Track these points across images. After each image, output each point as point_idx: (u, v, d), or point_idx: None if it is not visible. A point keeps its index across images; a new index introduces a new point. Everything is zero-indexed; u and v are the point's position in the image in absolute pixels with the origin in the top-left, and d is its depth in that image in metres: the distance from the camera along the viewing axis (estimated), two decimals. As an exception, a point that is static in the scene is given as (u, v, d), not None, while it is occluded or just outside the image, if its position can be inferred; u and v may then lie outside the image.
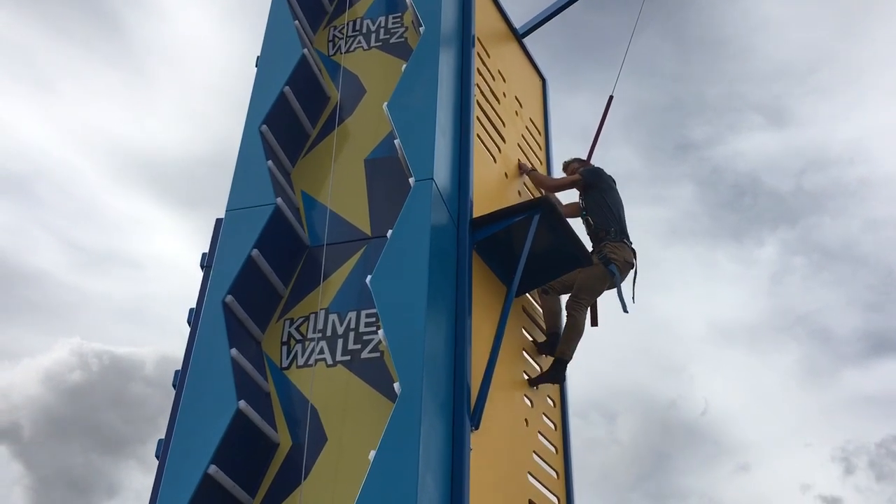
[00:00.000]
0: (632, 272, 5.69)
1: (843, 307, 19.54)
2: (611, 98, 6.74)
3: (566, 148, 5.97)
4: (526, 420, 5.03)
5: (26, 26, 17.16)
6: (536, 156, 6.52)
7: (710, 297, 19.93)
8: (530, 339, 5.50)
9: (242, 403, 4.16)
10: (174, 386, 4.92)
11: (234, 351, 4.36)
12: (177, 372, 4.96)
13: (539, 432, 5.19)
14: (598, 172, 6.05)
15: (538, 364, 5.47)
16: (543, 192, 6.25)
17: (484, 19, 6.23)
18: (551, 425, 5.41)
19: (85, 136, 18.50)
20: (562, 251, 5.27)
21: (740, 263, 20.25)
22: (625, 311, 5.58)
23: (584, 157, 6.45)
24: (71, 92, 18.11)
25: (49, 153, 18.03)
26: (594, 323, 5.80)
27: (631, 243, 5.73)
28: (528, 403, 5.16)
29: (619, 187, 6.03)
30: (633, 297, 5.69)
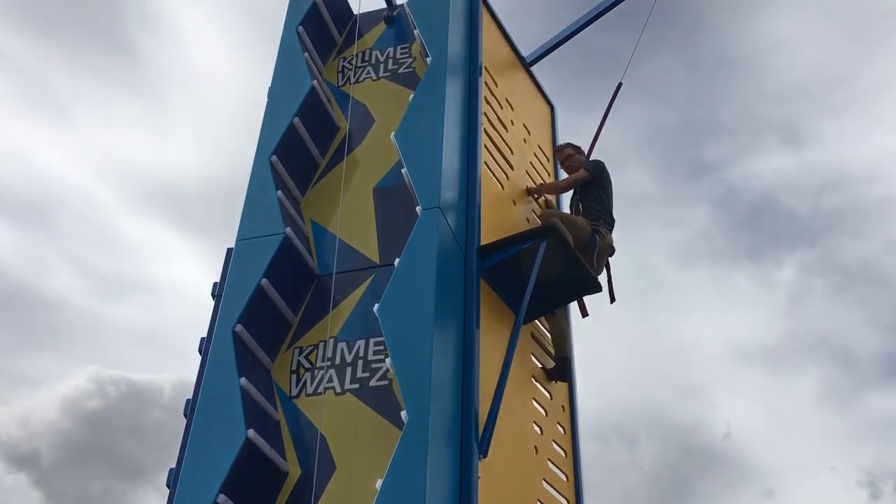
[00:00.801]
0: (605, 269, 5.80)
1: (865, 328, 19.33)
2: (619, 85, 6.62)
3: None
4: (536, 448, 5.02)
5: (45, 55, 17.52)
6: (545, 182, 6.54)
7: (728, 318, 19.79)
8: (539, 365, 5.50)
9: (251, 432, 4.19)
10: (185, 415, 4.95)
11: (243, 380, 4.40)
12: (188, 401, 5.00)
13: (549, 460, 5.17)
14: (601, 166, 6.12)
15: (548, 391, 5.46)
16: (553, 200, 6.29)
17: (491, 49, 6.30)
18: (562, 453, 5.39)
19: (103, 162, 18.79)
20: (570, 278, 5.28)
21: (758, 285, 20.10)
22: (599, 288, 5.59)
23: (577, 144, 6.46)
24: (89, 119, 18.43)
25: (67, 180, 18.31)
26: (584, 314, 5.83)
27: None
28: (538, 431, 5.15)
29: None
30: (613, 295, 5.83)
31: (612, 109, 6.58)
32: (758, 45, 18.48)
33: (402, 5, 6.35)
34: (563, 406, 5.66)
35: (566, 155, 6.35)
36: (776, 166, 20.06)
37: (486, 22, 6.32)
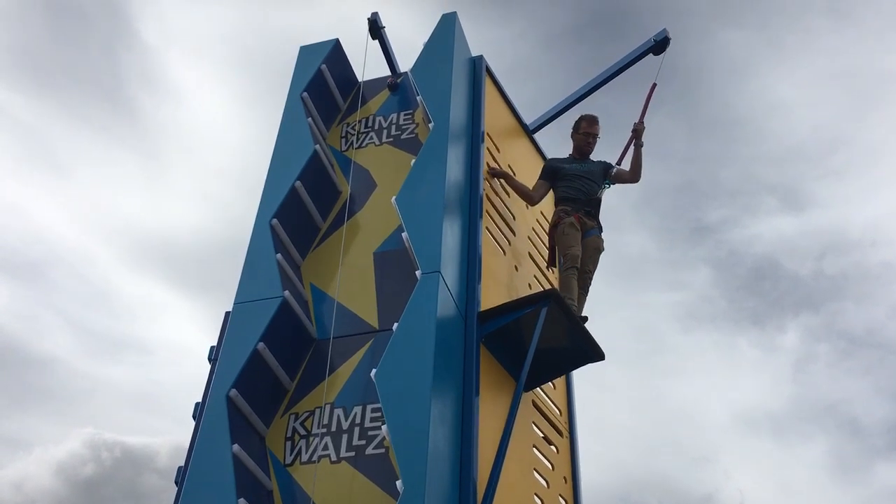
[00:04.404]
0: None
1: (871, 396, 19.01)
2: (654, 86, 6.29)
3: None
4: (537, 520, 4.86)
5: (44, 112, 17.75)
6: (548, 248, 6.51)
7: (732, 384, 19.48)
8: (541, 434, 5.37)
9: (242, 501, 4.06)
10: (176, 482, 4.83)
11: (236, 447, 4.29)
12: (180, 468, 4.88)
13: (551, 533, 5.00)
14: None
15: (549, 461, 5.32)
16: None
17: (493, 115, 6.35)
18: (564, 526, 5.22)
19: (100, 220, 18.85)
20: (572, 344, 5.20)
21: (762, 350, 19.84)
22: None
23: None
24: (87, 176, 18.52)
25: (64, 238, 18.34)
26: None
27: None
28: (539, 503, 4.99)
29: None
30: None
31: (647, 99, 6.24)
32: (756, 107, 18.59)
33: (405, 73, 6.44)
34: (565, 477, 5.51)
35: (584, 129, 6.23)
36: (777, 229, 20.02)
37: (488, 89, 6.39)
